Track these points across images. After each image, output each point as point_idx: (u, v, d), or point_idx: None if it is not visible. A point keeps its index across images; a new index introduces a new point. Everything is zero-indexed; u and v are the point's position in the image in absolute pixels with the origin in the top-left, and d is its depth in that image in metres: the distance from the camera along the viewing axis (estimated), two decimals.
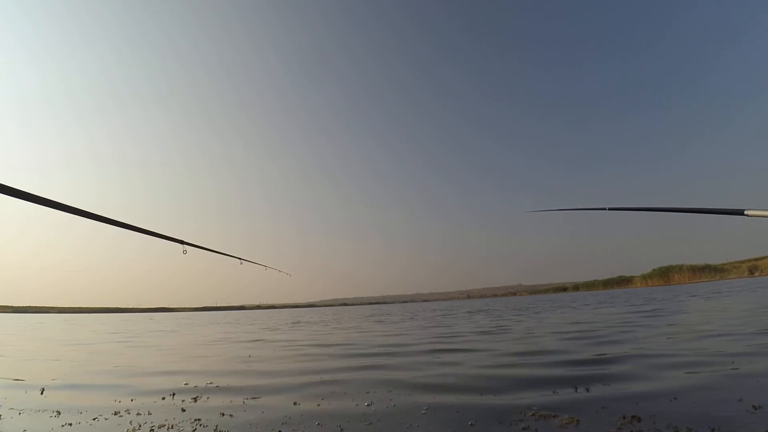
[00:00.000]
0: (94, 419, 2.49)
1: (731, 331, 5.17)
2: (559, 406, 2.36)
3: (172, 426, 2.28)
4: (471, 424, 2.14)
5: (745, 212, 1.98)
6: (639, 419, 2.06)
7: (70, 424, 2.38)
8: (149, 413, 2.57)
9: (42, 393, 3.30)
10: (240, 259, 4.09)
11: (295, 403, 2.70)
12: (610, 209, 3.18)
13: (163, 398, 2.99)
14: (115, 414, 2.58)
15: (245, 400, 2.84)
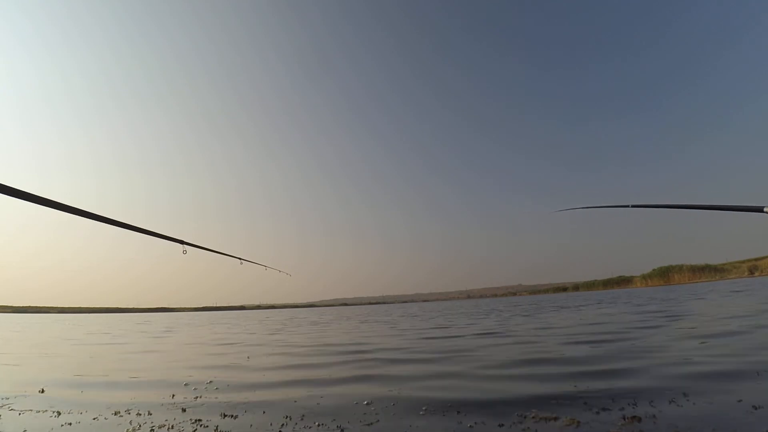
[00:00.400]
0: (94, 419, 2.49)
1: (732, 332, 5.16)
2: (560, 408, 2.36)
3: (172, 426, 2.28)
4: (471, 426, 2.14)
5: (765, 209, 2.00)
6: (639, 420, 2.06)
7: (70, 424, 2.38)
8: (149, 413, 2.57)
9: (42, 393, 3.30)
10: (240, 259, 4.09)
11: (295, 403, 2.70)
12: (633, 206, 3.20)
13: (164, 398, 2.99)
14: (115, 414, 2.58)
15: (245, 401, 2.83)
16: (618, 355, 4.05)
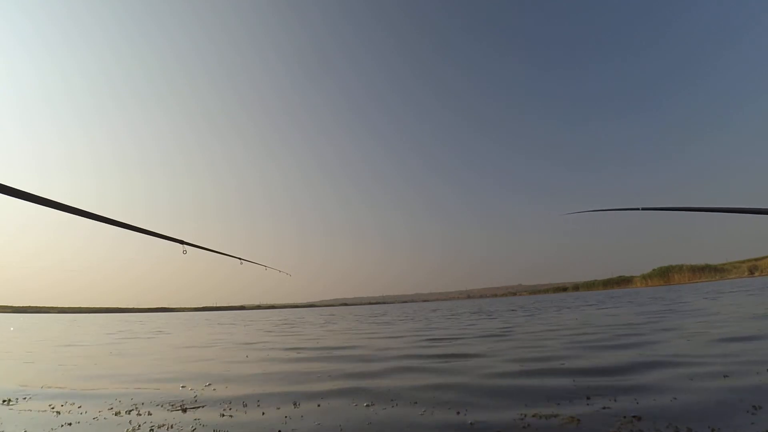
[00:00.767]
0: (94, 419, 2.49)
1: (733, 332, 5.17)
2: (560, 406, 2.36)
3: (172, 426, 2.28)
4: (471, 423, 2.14)
5: None
6: (639, 419, 2.06)
7: (70, 424, 2.38)
8: (149, 413, 2.57)
9: (42, 392, 3.30)
10: (240, 259, 4.10)
11: (294, 404, 2.70)
12: (643, 209, 3.16)
13: (164, 398, 2.99)
14: (116, 414, 2.58)
15: (245, 401, 2.83)
16: (620, 354, 4.05)
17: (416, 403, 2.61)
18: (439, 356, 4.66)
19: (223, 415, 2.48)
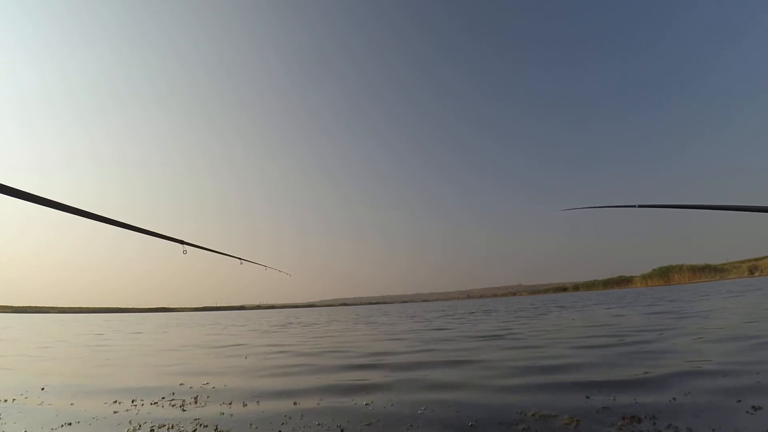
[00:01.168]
0: (94, 419, 2.49)
1: (733, 332, 5.16)
2: (560, 407, 2.36)
3: (172, 426, 2.28)
4: (471, 424, 2.14)
5: None
6: (639, 420, 2.06)
7: (70, 424, 2.38)
8: (149, 413, 2.57)
9: (42, 392, 3.30)
10: (240, 259, 4.09)
11: (295, 403, 2.70)
12: (640, 206, 3.17)
13: (163, 398, 2.99)
14: (115, 414, 2.58)
15: (245, 401, 2.83)
16: (621, 353, 4.05)
17: (416, 403, 2.61)
18: (438, 356, 4.66)
19: (223, 414, 2.48)
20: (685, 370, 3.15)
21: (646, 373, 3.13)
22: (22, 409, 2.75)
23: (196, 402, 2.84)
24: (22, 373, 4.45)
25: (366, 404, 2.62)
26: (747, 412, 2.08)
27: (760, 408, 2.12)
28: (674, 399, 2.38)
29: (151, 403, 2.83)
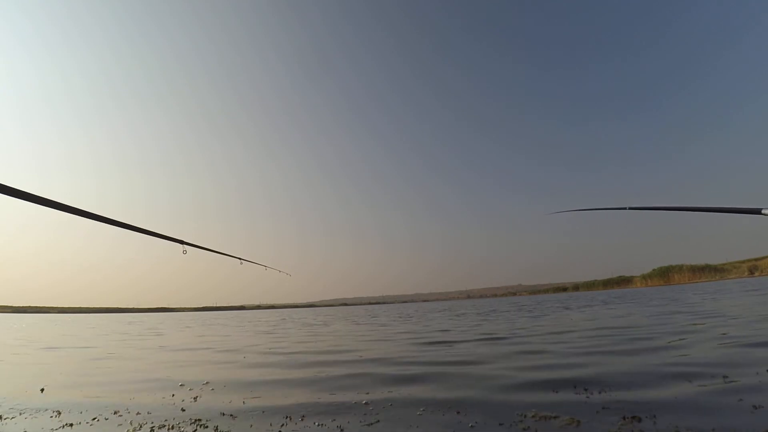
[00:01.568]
0: (94, 419, 2.49)
1: (734, 332, 5.17)
2: (560, 407, 2.35)
3: (172, 426, 2.28)
4: (471, 425, 2.14)
5: (762, 211, 1.94)
6: (639, 420, 2.05)
7: (70, 425, 2.38)
8: (149, 413, 2.57)
9: (42, 393, 3.30)
10: (240, 259, 4.09)
11: (294, 404, 2.70)
12: (630, 209, 3.14)
13: (163, 398, 2.99)
14: (115, 414, 2.58)
15: (245, 401, 2.83)
16: (621, 353, 4.05)
17: (416, 403, 2.61)
18: (438, 356, 4.66)
19: (224, 415, 2.48)
20: (685, 370, 3.15)
21: (646, 372, 3.13)
22: (21, 410, 2.75)
23: (196, 402, 2.84)
24: (21, 374, 4.44)
25: (366, 404, 2.61)
26: (747, 411, 2.08)
27: (760, 407, 2.12)
28: (674, 399, 2.38)
29: (151, 404, 2.83)
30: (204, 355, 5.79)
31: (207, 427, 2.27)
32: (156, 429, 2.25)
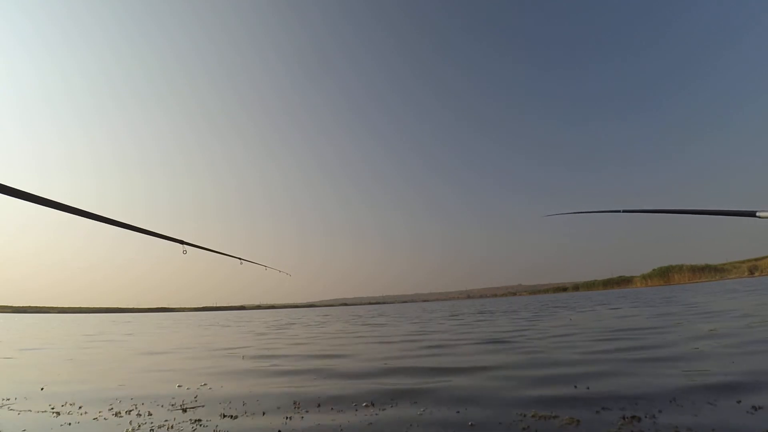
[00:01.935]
0: (94, 419, 2.49)
1: (734, 332, 5.17)
2: (560, 407, 2.36)
3: (172, 426, 2.28)
4: (471, 424, 2.14)
5: (757, 214, 1.94)
6: (639, 419, 2.05)
7: (70, 424, 2.38)
8: (149, 413, 2.57)
9: (42, 392, 3.30)
10: (240, 259, 4.09)
11: (294, 403, 2.70)
12: (624, 211, 3.13)
13: (163, 399, 2.99)
14: (115, 414, 2.58)
15: (244, 400, 2.83)
16: (621, 352, 4.05)
17: (416, 403, 2.61)
18: (438, 357, 4.66)
19: (224, 415, 2.48)
20: (685, 370, 3.15)
21: (646, 372, 3.13)
22: (21, 410, 2.75)
23: (195, 402, 2.84)
24: (21, 374, 4.44)
25: (366, 405, 2.61)
26: (747, 412, 2.08)
27: (760, 408, 2.12)
28: (674, 399, 2.38)
29: (151, 404, 2.82)
30: (204, 356, 5.79)
31: (207, 427, 2.27)
32: (156, 429, 2.25)
